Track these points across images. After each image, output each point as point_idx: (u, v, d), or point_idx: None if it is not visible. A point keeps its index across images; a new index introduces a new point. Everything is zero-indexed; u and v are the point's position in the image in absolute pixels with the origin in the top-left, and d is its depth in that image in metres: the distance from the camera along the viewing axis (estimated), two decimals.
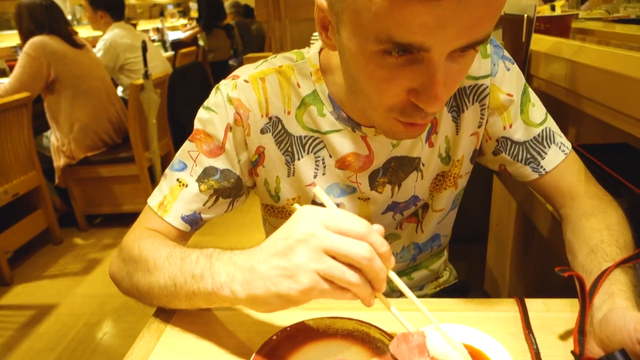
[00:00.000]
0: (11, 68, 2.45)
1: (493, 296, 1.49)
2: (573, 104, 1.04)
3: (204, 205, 0.70)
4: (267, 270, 0.46)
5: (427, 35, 0.44)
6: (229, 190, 0.71)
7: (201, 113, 0.70)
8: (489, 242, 1.44)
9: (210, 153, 0.69)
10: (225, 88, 0.68)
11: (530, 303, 0.60)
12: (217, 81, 0.71)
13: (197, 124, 0.70)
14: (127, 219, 2.81)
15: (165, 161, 2.98)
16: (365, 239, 0.45)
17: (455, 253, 1.00)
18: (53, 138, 2.57)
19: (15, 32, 2.63)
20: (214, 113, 0.68)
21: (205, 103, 0.70)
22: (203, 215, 0.71)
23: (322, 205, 0.72)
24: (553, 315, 0.58)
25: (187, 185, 0.69)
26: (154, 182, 2.76)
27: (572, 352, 0.49)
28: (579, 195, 0.71)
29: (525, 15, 1.18)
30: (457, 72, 0.50)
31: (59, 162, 2.56)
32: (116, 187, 2.71)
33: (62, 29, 2.47)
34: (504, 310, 0.60)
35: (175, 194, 0.69)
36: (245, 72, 0.69)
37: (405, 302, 0.50)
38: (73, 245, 2.64)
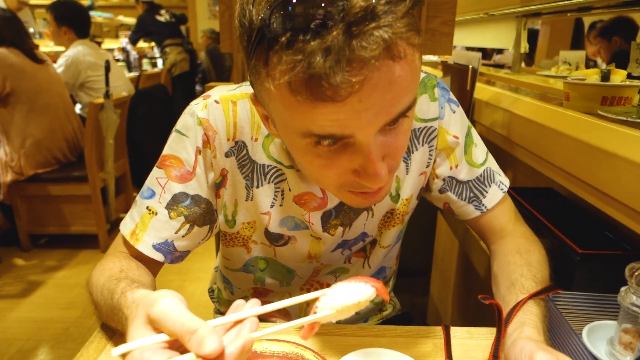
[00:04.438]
0: None
1: None
2: (508, 149, 1.14)
3: (176, 233, 0.69)
4: None
5: (343, 127, 0.46)
6: (202, 216, 0.71)
7: (172, 138, 0.69)
8: (433, 276, 1.51)
9: (180, 178, 0.68)
10: (195, 108, 0.68)
11: (455, 331, 0.65)
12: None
13: (166, 150, 0.69)
14: (74, 240, 2.72)
15: (121, 182, 2.92)
16: None
17: (400, 286, 1.05)
18: (2, 152, 2.48)
19: None
20: (184, 137, 0.68)
21: (176, 125, 0.69)
22: (177, 244, 0.70)
23: (277, 235, 0.75)
24: (474, 342, 0.63)
25: (156, 213, 0.68)
26: (106, 204, 2.70)
27: None
28: (508, 234, 0.78)
29: (470, 66, 1.29)
30: (395, 141, 0.51)
31: (5, 177, 2.46)
32: (65, 207, 2.62)
33: (23, 42, 2.44)
34: (432, 337, 0.64)
35: (146, 222, 0.68)
36: (217, 92, 0.69)
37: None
38: (12, 266, 2.51)
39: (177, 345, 0.41)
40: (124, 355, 0.40)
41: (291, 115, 0.47)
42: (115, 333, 0.63)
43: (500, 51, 3.84)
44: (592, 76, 0.88)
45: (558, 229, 0.79)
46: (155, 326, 0.42)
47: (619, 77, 0.84)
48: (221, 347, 0.37)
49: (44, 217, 2.64)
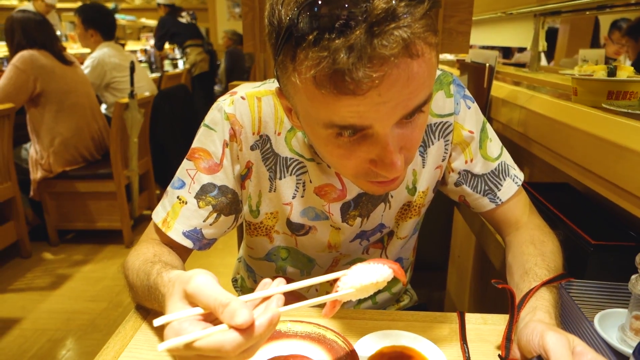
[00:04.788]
0: None
1: None
2: (525, 146, 1.15)
3: (204, 221, 0.73)
4: None
5: (363, 119, 0.49)
6: (228, 206, 0.75)
7: (201, 131, 0.74)
8: (450, 270, 1.52)
9: (208, 170, 0.73)
10: (223, 104, 0.72)
11: (470, 317, 0.68)
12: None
13: (196, 143, 0.74)
14: (100, 236, 2.81)
15: (144, 180, 3.01)
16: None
17: (417, 280, 1.07)
18: (32, 150, 2.58)
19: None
20: (212, 131, 0.72)
21: (205, 120, 0.74)
22: (204, 232, 0.74)
23: (298, 225, 0.78)
24: (489, 327, 0.66)
25: (186, 202, 0.73)
26: (130, 201, 2.78)
27: (499, 356, 0.57)
28: (523, 226, 0.80)
29: (487, 65, 1.31)
30: (411, 134, 0.54)
31: (35, 174, 2.57)
32: (92, 203, 2.71)
33: (53, 45, 2.53)
34: (447, 322, 0.67)
35: (177, 211, 0.73)
36: (243, 89, 0.74)
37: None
38: (42, 260, 2.61)
39: (211, 319, 0.45)
40: (163, 327, 0.44)
41: (315, 107, 0.51)
42: (150, 313, 0.68)
43: (522, 50, 3.81)
44: (599, 72, 0.90)
45: (572, 221, 0.81)
46: (191, 300, 0.46)
47: (625, 72, 0.86)
48: (251, 319, 0.41)
49: (71, 213, 2.73)
